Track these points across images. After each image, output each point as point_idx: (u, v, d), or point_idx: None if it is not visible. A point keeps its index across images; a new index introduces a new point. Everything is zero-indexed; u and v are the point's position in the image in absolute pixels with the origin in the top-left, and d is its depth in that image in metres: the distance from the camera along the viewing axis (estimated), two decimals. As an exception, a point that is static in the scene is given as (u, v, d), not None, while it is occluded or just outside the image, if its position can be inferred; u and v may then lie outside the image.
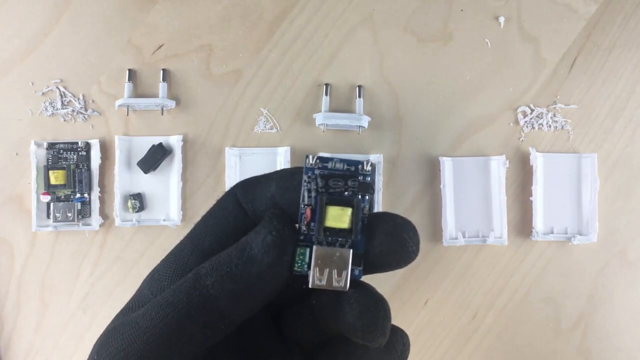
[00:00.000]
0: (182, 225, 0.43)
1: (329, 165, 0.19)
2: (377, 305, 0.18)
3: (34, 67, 0.43)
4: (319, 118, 0.43)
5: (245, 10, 0.44)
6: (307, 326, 0.21)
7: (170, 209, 0.43)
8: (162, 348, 0.17)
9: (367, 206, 0.19)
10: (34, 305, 0.43)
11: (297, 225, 0.19)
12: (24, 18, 0.43)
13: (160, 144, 0.43)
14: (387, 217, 0.19)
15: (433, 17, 0.45)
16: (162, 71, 0.43)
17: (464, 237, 0.44)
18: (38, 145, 0.42)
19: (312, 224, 0.19)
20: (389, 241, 0.19)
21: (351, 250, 0.19)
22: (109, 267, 0.43)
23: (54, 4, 0.43)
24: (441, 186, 0.44)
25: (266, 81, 0.44)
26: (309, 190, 0.19)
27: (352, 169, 0.19)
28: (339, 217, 0.19)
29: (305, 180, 0.19)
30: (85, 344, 0.43)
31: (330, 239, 0.19)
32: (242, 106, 0.44)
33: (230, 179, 0.43)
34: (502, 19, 0.45)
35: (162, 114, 0.43)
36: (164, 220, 0.43)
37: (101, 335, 0.19)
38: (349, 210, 0.19)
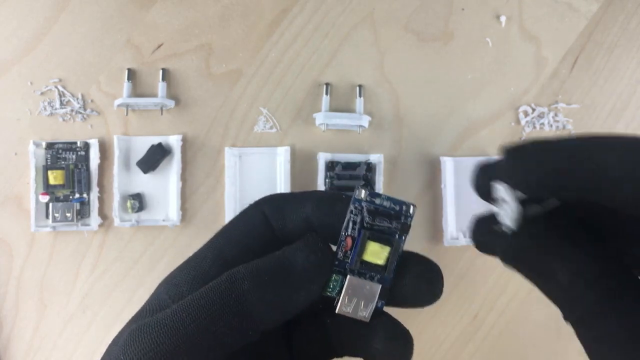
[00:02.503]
0: (181, 225, 0.43)
1: (377, 201, 0.20)
2: (406, 336, 0.20)
3: (32, 67, 0.43)
4: (319, 118, 0.42)
5: (245, 9, 0.44)
6: (317, 343, 0.21)
7: (170, 209, 0.43)
8: (192, 349, 0.17)
9: (403, 246, 0.20)
10: (32, 305, 0.43)
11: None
12: (22, 17, 0.43)
13: (160, 143, 0.43)
14: (418, 259, 0.20)
15: (434, 16, 0.44)
16: (161, 71, 0.43)
17: (464, 237, 0.44)
18: (37, 145, 0.42)
19: (348, 252, 0.20)
20: (417, 283, 0.20)
21: (381, 286, 0.20)
22: (108, 268, 0.43)
23: (53, 3, 0.43)
24: (442, 186, 0.43)
25: (266, 81, 0.44)
26: (354, 222, 0.20)
27: (397, 208, 0.20)
28: (377, 254, 0.20)
29: (352, 211, 0.20)
30: (85, 345, 0.43)
31: (364, 271, 0.20)
32: (242, 106, 0.44)
33: (230, 179, 0.43)
34: (503, 18, 0.44)
35: (162, 113, 0.43)
36: (163, 220, 0.43)
37: (122, 335, 0.19)
38: (387, 249, 0.20)
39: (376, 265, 0.20)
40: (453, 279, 0.44)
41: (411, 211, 0.20)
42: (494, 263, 0.44)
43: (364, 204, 0.20)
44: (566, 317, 0.17)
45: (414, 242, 0.44)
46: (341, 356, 0.21)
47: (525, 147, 0.17)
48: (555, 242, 0.17)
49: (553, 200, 0.18)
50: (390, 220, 0.20)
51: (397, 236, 0.20)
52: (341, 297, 0.20)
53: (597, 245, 0.17)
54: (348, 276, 0.20)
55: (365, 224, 0.20)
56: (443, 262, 0.44)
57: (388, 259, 0.20)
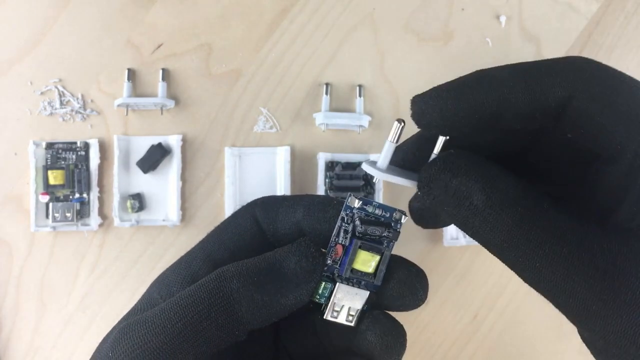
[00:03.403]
0: (181, 225, 0.43)
1: (369, 209, 0.20)
2: (399, 330, 0.20)
3: (32, 67, 0.43)
4: (319, 117, 0.42)
5: (244, 9, 0.44)
6: (307, 341, 0.21)
7: (170, 209, 0.43)
8: (179, 347, 0.17)
9: (391, 252, 0.20)
10: (32, 305, 0.43)
11: None
12: (22, 17, 0.43)
13: (160, 143, 0.43)
14: (403, 265, 0.21)
15: (433, 16, 0.44)
16: (161, 70, 0.43)
17: (464, 237, 0.43)
18: (37, 145, 0.42)
19: (337, 258, 0.20)
20: (401, 288, 0.20)
21: (368, 292, 0.20)
22: (108, 268, 0.43)
23: (53, 3, 0.43)
24: (442, 186, 0.43)
25: (266, 80, 0.44)
26: (346, 231, 0.20)
27: (388, 215, 0.20)
28: (366, 262, 0.20)
29: (343, 218, 0.20)
30: (85, 344, 0.43)
31: (353, 278, 0.20)
32: (242, 106, 0.44)
33: (230, 179, 0.43)
34: (503, 18, 0.45)
35: (162, 113, 0.43)
36: (163, 220, 0.43)
37: (112, 333, 0.19)
38: (377, 258, 0.20)
39: (366, 274, 0.20)
40: (453, 279, 0.44)
41: (402, 220, 0.20)
42: (494, 263, 0.44)
43: (355, 212, 0.20)
44: (492, 251, 0.17)
45: (414, 243, 0.44)
46: (331, 352, 0.21)
47: (430, 91, 0.19)
48: (468, 164, 0.17)
49: (442, 138, 0.19)
50: (381, 228, 0.20)
51: (386, 244, 0.20)
52: (329, 304, 0.20)
53: (509, 172, 0.17)
54: (337, 284, 0.20)
55: (357, 233, 0.20)
56: (443, 262, 0.44)
57: (377, 267, 0.20)
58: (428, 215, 0.21)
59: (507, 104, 0.17)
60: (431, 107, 0.18)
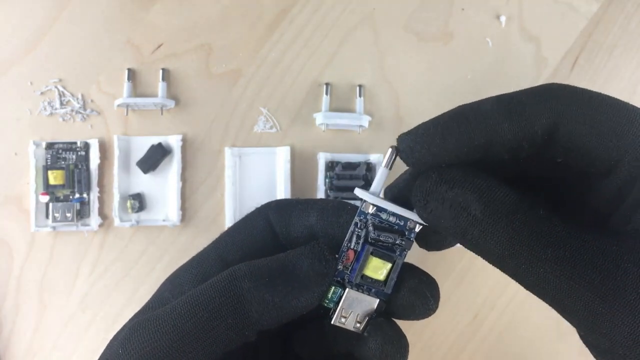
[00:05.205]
0: (181, 225, 0.43)
1: (383, 216, 0.20)
2: (401, 341, 0.20)
3: (32, 67, 0.43)
4: (319, 117, 0.42)
5: (244, 9, 0.44)
6: (316, 344, 0.21)
7: (170, 209, 0.43)
8: (189, 345, 0.17)
9: (403, 261, 0.20)
10: (32, 305, 0.43)
11: None
12: (22, 17, 0.43)
13: (160, 143, 0.43)
14: (414, 273, 0.20)
15: (434, 16, 0.44)
16: (161, 71, 0.43)
17: (464, 237, 0.44)
18: (37, 145, 0.42)
19: (348, 264, 0.20)
20: (412, 297, 0.20)
21: (378, 300, 0.20)
22: (108, 268, 0.43)
23: (53, 3, 0.43)
24: (442, 186, 0.43)
25: (266, 80, 0.44)
26: (358, 236, 0.20)
27: (402, 224, 0.20)
28: (377, 269, 0.20)
29: (356, 224, 0.20)
30: (85, 344, 0.43)
31: (363, 284, 0.20)
32: (242, 106, 0.44)
33: (230, 179, 0.43)
34: (503, 18, 0.44)
35: (162, 113, 0.43)
36: (163, 220, 0.43)
37: (123, 331, 0.19)
38: (388, 265, 0.20)
39: (376, 281, 0.20)
40: (453, 279, 0.44)
41: (416, 229, 0.20)
42: (494, 263, 0.44)
43: (369, 218, 0.20)
44: (492, 262, 0.17)
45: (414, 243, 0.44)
46: (337, 358, 0.21)
47: (417, 129, 0.18)
48: (463, 176, 0.17)
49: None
50: (394, 236, 0.20)
51: (398, 252, 0.20)
52: (338, 309, 0.20)
53: (501, 182, 0.17)
54: (347, 289, 0.20)
55: (369, 239, 0.20)
56: (443, 262, 0.44)
57: (388, 275, 0.20)
58: (433, 238, 0.21)
59: (494, 136, 0.17)
60: (419, 144, 0.18)
